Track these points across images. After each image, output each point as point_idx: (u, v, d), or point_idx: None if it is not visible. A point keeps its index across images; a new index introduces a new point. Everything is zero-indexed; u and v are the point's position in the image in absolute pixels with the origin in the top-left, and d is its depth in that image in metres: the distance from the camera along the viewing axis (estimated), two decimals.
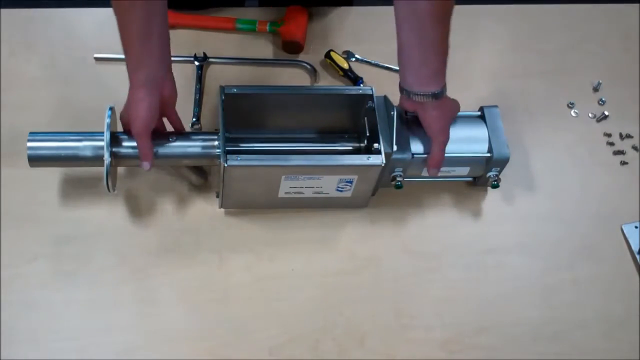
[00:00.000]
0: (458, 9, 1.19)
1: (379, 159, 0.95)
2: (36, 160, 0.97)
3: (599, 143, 1.14)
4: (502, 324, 1.00)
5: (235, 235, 1.04)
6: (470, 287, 1.02)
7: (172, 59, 0.96)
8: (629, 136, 1.14)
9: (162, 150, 0.97)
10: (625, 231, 1.07)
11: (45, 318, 0.97)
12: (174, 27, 1.16)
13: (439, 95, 0.94)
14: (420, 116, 0.97)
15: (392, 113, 0.97)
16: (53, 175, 1.05)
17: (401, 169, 1.00)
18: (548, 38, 1.22)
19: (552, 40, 1.21)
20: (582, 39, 1.22)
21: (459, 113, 1.02)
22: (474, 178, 1.07)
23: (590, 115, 1.16)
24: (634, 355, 0.99)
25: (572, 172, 1.12)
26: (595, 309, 1.02)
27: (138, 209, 1.04)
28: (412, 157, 0.99)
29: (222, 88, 0.98)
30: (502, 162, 1.02)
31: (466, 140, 1.01)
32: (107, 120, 0.94)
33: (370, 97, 0.99)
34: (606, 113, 1.16)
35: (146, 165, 0.95)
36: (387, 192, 1.05)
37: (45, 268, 1.00)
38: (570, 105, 1.17)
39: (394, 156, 0.98)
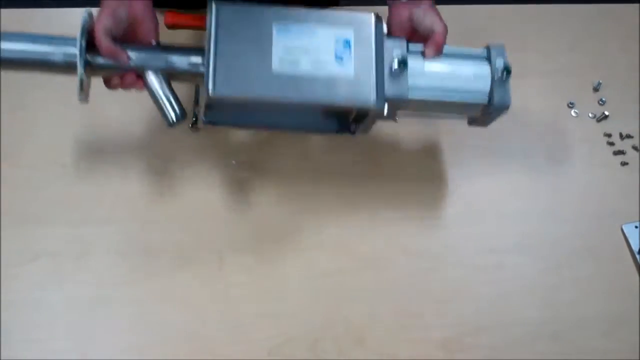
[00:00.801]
0: (458, 9, 1.19)
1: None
2: (9, 63, 0.90)
3: (599, 143, 1.14)
4: (502, 324, 1.00)
5: (235, 235, 1.04)
6: (470, 287, 1.02)
7: None
8: (629, 136, 1.14)
9: (139, 55, 0.91)
10: (625, 231, 1.07)
11: (45, 318, 0.97)
12: (174, 27, 1.16)
13: None
14: (415, 15, 0.95)
15: None
16: (53, 174, 1.05)
17: (399, 53, 0.91)
18: (548, 38, 1.22)
19: (552, 40, 1.21)
20: (582, 39, 1.22)
21: (462, 49, 0.97)
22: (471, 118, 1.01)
23: (590, 115, 1.16)
24: (634, 355, 0.99)
25: (572, 172, 1.12)
26: (595, 308, 1.02)
27: (138, 209, 1.04)
28: (407, 47, 0.93)
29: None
30: (502, 110, 0.95)
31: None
32: (83, 24, 0.90)
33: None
34: (606, 113, 1.16)
35: (122, 59, 0.90)
36: (387, 190, 1.06)
37: (46, 268, 1.00)
38: (570, 105, 1.17)
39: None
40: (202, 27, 1.18)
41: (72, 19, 1.19)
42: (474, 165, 1.11)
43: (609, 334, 1.01)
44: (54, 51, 0.91)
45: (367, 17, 0.91)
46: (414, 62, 0.93)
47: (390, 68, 0.91)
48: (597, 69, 1.19)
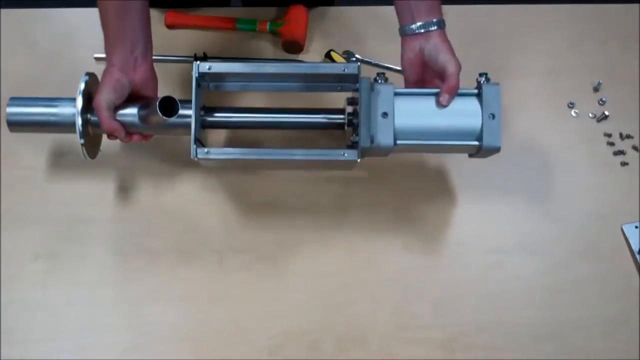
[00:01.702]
0: (458, 9, 1.19)
1: (354, 155, 0.91)
2: (15, 125, 0.96)
3: (599, 143, 1.14)
4: (502, 324, 1.00)
5: (235, 235, 1.04)
6: (470, 287, 1.03)
7: (172, 58, 0.96)
8: (629, 136, 1.14)
9: (127, 119, 0.94)
10: (625, 231, 1.07)
11: (45, 318, 0.97)
12: (173, 27, 1.16)
13: (440, 24, 0.95)
14: (426, 50, 0.95)
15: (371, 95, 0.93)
16: (53, 175, 1.05)
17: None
18: (548, 38, 1.21)
19: (552, 40, 1.21)
20: (582, 39, 1.22)
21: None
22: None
23: (590, 115, 1.16)
24: (633, 355, 0.99)
25: (572, 172, 1.12)
26: (595, 309, 1.02)
27: (138, 210, 1.05)
28: (395, 145, 0.93)
29: (197, 65, 0.92)
30: (492, 152, 0.96)
31: (455, 121, 0.95)
32: (82, 86, 0.94)
33: (355, 77, 0.93)
34: (606, 113, 1.16)
35: (121, 137, 0.94)
36: (387, 190, 1.06)
37: (45, 268, 1.00)
38: (570, 105, 1.17)
39: (374, 145, 0.93)
40: (201, 27, 1.19)
41: (72, 19, 1.19)
42: (473, 165, 1.11)
43: (609, 334, 1.01)
44: (56, 112, 0.95)
45: (352, 160, 0.92)
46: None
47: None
48: (597, 69, 1.19)
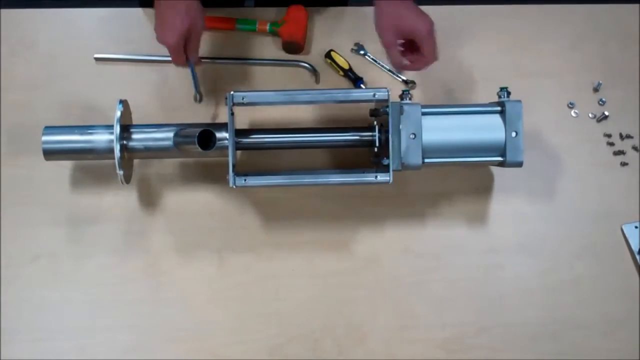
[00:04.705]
0: (458, 9, 1.19)
1: (386, 177, 0.95)
2: (50, 153, 0.98)
3: (599, 143, 1.14)
4: (502, 324, 1.01)
5: (235, 235, 1.04)
6: (471, 287, 1.03)
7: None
8: (629, 136, 1.14)
9: (162, 144, 0.97)
10: (625, 231, 1.07)
11: (45, 318, 0.97)
12: None
13: None
14: (394, 19, 0.98)
15: (400, 127, 0.96)
16: (53, 175, 1.05)
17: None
18: (548, 38, 1.21)
19: (552, 40, 1.21)
20: (582, 39, 1.22)
21: (477, 107, 1.00)
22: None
23: (590, 115, 1.16)
24: (634, 355, 1.00)
25: (572, 172, 1.12)
26: (595, 309, 1.02)
27: (138, 210, 1.05)
28: (423, 163, 0.98)
29: (231, 95, 0.95)
30: (514, 166, 1.00)
31: (478, 139, 0.99)
32: (118, 113, 0.95)
33: (385, 102, 0.96)
34: (606, 113, 1.16)
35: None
36: (387, 191, 1.06)
37: (45, 268, 1.00)
38: (570, 106, 1.17)
39: (404, 165, 0.97)
40: (211, 28, 1.18)
41: (72, 19, 1.19)
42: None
43: (609, 334, 1.01)
44: (91, 140, 0.97)
45: (384, 181, 0.96)
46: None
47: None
48: (597, 69, 1.19)
